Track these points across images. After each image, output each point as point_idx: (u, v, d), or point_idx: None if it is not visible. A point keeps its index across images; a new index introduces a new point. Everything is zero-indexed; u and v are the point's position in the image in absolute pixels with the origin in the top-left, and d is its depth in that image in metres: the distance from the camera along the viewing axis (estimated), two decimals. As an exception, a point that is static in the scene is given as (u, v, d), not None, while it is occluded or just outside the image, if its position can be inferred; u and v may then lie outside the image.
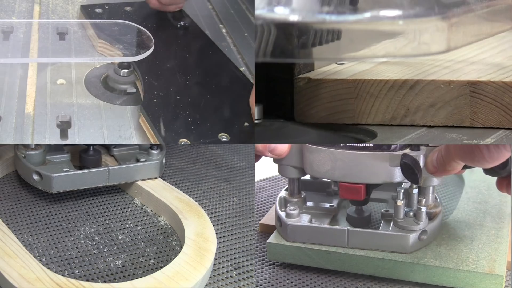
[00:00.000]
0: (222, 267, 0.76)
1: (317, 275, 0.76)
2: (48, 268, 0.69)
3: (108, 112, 0.83)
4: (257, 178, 1.03)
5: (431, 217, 0.77)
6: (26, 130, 0.77)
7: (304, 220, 0.79)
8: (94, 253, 0.77)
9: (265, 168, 1.08)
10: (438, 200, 0.81)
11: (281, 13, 0.69)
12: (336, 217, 0.83)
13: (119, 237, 0.80)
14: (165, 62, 0.90)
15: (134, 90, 0.88)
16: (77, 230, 0.81)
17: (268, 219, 0.88)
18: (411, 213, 0.76)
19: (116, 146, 0.93)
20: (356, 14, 0.69)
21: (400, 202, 0.75)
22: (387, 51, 0.72)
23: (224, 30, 1.09)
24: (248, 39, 1.06)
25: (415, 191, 0.77)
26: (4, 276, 0.66)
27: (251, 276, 0.75)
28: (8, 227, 0.76)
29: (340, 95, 0.82)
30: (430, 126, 0.79)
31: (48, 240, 0.78)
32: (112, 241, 0.79)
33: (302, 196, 0.84)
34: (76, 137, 0.78)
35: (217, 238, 0.77)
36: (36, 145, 0.86)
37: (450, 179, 1.01)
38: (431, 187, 0.78)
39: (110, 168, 0.87)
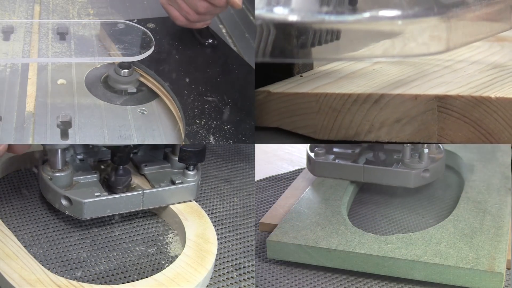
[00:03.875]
0: (223, 268, 0.76)
1: (317, 274, 0.76)
2: (49, 269, 0.69)
3: (109, 112, 0.83)
4: (257, 178, 1.03)
5: (434, 160, 0.91)
6: (27, 130, 0.77)
7: (329, 159, 0.94)
8: (95, 254, 0.77)
9: (265, 168, 1.08)
10: (442, 149, 0.94)
11: (280, 13, 0.69)
12: (357, 161, 0.95)
13: (120, 238, 0.80)
14: (199, 84, 0.86)
15: (135, 90, 0.88)
16: (78, 231, 0.81)
17: (268, 218, 0.88)
18: (417, 155, 0.89)
19: (146, 164, 0.87)
20: (355, 14, 0.69)
21: (406, 145, 0.88)
22: (386, 51, 0.71)
23: (224, 30, 1.08)
24: (249, 39, 1.05)
25: None
26: (5, 277, 0.66)
27: (252, 277, 0.75)
28: (9, 228, 0.77)
29: (301, 109, 0.77)
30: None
31: (49, 241, 0.78)
32: (113, 242, 0.79)
33: None
34: (76, 137, 0.78)
35: (218, 239, 0.77)
36: (63, 165, 0.80)
37: (450, 179, 1.01)
38: None
39: (144, 191, 0.80)
